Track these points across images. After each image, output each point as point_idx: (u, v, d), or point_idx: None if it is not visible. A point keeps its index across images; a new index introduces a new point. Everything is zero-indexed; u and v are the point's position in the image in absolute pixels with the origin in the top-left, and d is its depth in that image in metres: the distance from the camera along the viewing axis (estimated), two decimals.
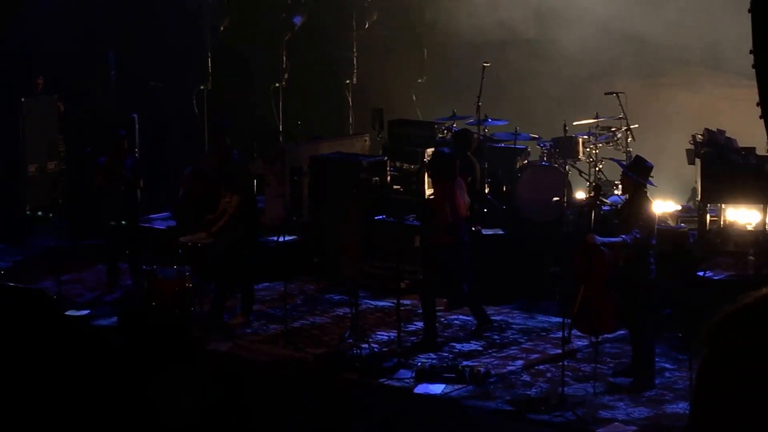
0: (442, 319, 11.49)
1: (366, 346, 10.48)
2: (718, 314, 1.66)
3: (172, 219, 13.65)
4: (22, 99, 14.84)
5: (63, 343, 8.05)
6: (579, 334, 10.47)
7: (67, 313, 11.33)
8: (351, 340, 10.71)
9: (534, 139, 13.92)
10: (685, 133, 12.97)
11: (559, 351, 9.86)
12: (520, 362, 10.42)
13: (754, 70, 8.52)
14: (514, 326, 11.51)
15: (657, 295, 10.12)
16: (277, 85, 16.48)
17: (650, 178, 9.73)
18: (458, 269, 10.82)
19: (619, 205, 12.61)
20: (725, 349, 1.57)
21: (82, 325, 11.19)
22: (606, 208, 12.82)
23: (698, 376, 1.62)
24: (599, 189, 10.61)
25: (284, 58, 16.57)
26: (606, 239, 9.57)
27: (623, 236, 9.41)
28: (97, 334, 10.91)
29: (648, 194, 9.72)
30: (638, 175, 9.62)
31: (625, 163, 11.42)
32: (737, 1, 9.25)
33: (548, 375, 10.02)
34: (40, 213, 13.66)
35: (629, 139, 13.69)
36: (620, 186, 11.10)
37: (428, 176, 11.72)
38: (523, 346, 10.91)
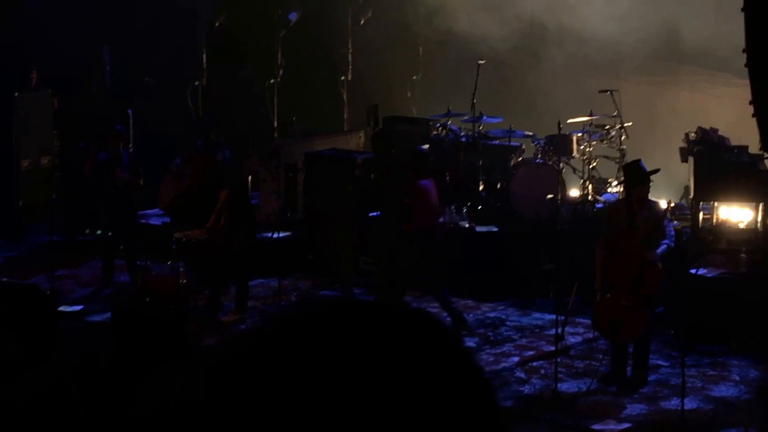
0: None
1: None
2: None
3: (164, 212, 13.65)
4: (16, 94, 14.80)
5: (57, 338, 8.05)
6: (572, 330, 10.51)
7: (60, 308, 11.34)
8: None
9: (528, 136, 13.94)
10: (678, 131, 13.00)
11: (553, 348, 9.89)
12: (513, 359, 10.45)
13: (747, 69, 8.57)
14: (508, 323, 11.53)
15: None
16: (272, 81, 16.47)
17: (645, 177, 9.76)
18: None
19: (611, 206, 12.64)
20: None
21: (75, 320, 11.20)
22: (599, 205, 12.86)
23: None
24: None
25: (279, 54, 16.56)
26: (658, 252, 9.45)
27: (665, 242, 9.39)
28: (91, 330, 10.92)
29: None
30: (632, 179, 9.63)
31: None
32: (731, 1, 9.28)
33: (542, 372, 10.05)
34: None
35: (623, 137, 13.72)
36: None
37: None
38: (517, 343, 10.93)
